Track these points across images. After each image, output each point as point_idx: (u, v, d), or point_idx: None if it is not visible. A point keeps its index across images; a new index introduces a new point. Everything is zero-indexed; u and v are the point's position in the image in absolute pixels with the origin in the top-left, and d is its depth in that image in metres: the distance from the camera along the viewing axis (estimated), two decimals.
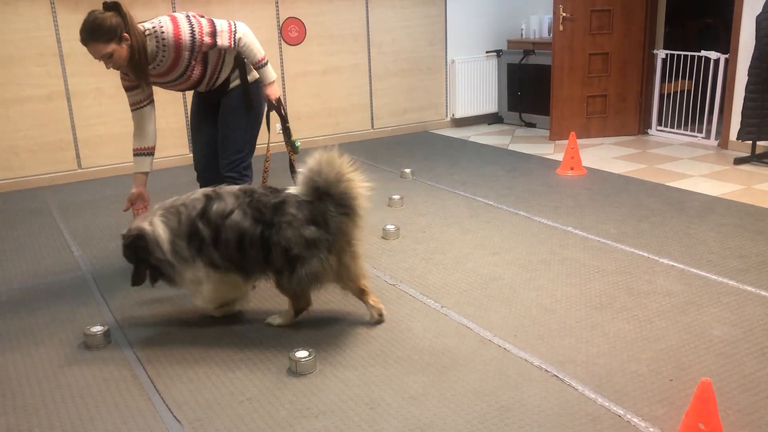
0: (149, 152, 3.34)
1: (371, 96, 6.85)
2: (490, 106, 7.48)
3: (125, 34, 2.98)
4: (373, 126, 6.94)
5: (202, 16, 3.22)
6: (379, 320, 2.92)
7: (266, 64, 3.31)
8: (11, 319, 3.12)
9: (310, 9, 6.29)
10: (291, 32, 6.22)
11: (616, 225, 4.06)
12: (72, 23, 5.37)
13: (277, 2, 6.13)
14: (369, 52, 6.73)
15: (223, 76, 3.34)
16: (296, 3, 6.21)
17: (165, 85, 3.31)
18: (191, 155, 5.01)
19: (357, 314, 3.03)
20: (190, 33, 3.10)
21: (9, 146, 5.33)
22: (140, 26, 3.09)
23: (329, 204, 2.71)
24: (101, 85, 5.56)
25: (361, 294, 2.90)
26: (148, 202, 3.36)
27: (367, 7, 6.60)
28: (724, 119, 5.89)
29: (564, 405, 2.31)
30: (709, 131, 6.16)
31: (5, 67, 5.20)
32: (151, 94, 3.30)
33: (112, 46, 2.96)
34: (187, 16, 3.17)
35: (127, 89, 3.25)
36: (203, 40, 3.13)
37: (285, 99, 6.29)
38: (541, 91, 6.83)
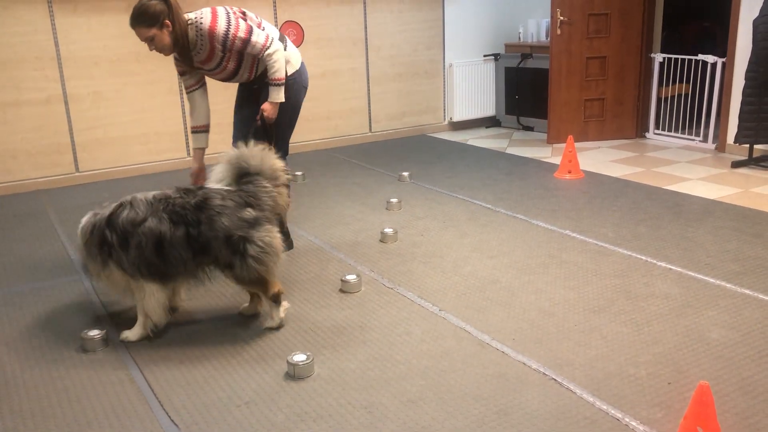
0: (204, 130, 3.68)
1: (369, 99, 6.85)
2: (487, 109, 7.49)
3: (167, 21, 3.21)
4: (371, 129, 6.94)
5: (244, 17, 3.40)
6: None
7: (280, 85, 3.45)
8: (8, 322, 3.12)
9: (309, 13, 6.30)
10: (289, 35, 6.22)
11: (614, 228, 4.06)
12: (70, 27, 5.37)
13: (275, 5, 6.13)
14: (367, 56, 6.73)
15: (261, 69, 3.55)
16: (294, 6, 6.22)
17: (208, 73, 3.55)
18: (190, 158, 4.99)
19: (355, 318, 3.03)
20: (225, 31, 3.31)
21: (7, 149, 5.33)
22: (186, 16, 3.31)
23: (262, 181, 2.86)
24: (99, 89, 5.56)
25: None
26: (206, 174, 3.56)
27: (365, 11, 6.61)
28: (722, 123, 5.90)
29: (562, 408, 2.31)
30: (706, 135, 6.18)
31: (3, 70, 5.20)
32: (201, 79, 3.62)
33: (153, 31, 3.21)
34: (228, 14, 3.35)
35: (180, 74, 3.58)
36: (234, 42, 3.34)
37: None
38: (539, 94, 6.84)
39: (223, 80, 3.62)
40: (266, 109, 3.48)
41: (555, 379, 2.48)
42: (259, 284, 2.87)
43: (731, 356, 2.60)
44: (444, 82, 7.26)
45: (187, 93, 3.66)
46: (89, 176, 5.67)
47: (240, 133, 3.66)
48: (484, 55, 7.35)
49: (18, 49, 5.22)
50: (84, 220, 2.88)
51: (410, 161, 5.97)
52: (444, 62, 7.19)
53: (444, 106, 7.34)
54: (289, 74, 3.54)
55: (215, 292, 3.35)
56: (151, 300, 2.85)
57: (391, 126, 7.05)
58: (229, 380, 2.57)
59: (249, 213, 2.78)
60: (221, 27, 3.30)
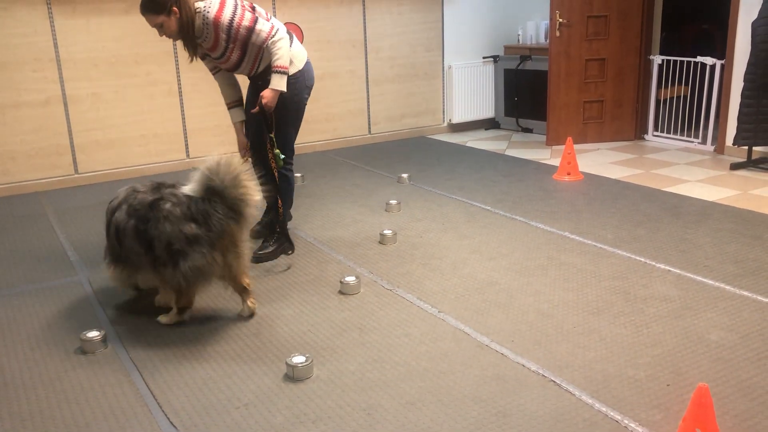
0: (237, 105, 3.84)
1: (368, 101, 6.86)
2: (487, 111, 7.49)
3: (174, 9, 3.33)
4: (370, 131, 6.95)
5: (252, 10, 3.49)
6: (250, 316, 3.09)
7: (282, 73, 3.46)
8: (7, 324, 3.11)
9: (308, 14, 6.30)
10: None
11: (613, 230, 4.07)
12: (69, 28, 5.37)
13: (274, 7, 6.14)
14: (366, 58, 6.74)
15: (264, 64, 3.61)
16: (294, 8, 6.22)
17: (215, 61, 3.64)
18: (188, 160, 5.02)
19: (354, 319, 3.03)
20: (229, 20, 3.40)
21: (6, 151, 5.32)
22: (196, 4, 3.40)
23: (218, 206, 2.85)
24: (98, 91, 5.56)
25: (242, 291, 3.06)
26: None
27: (364, 13, 6.62)
28: (720, 125, 5.90)
29: (561, 410, 2.31)
30: (705, 137, 6.18)
31: (2, 71, 5.19)
32: None
33: (161, 18, 3.33)
34: (236, 5, 3.43)
35: (202, 58, 3.70)
36: (239, 31, 3.42)
37: None
38: (538, 96, 6.84)
39: (229, 70, 3.71)
40: (266, 96, 3.45)
41: (554, 381, 2.48)
42: (177, 292, 2.96)
43: (730, 358, 2.61)
44: (443, 83, 7.26)
45: (214, 75, 3.81)
46: (88, 178, 5.66)
47: (251, 141, 3.82)
48: (483, 57, 7.35)
49: (17, 50, 5.22)
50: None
51: (409, 163, 5.97)
52: (443, 64, 7.20)
53: (443, 108, 7.35)
54: (291, 74, 3.57)
55: (213, 294, 3.35)
56: (112, 280, 3.13)
57: (390, 128, 7.05)
58: (228, 382, 2.56)
59: (190, 228, 2.80)
60: (226, 16, 3.38)
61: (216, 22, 3.36)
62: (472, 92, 7.33)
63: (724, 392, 2.38)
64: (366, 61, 6.74)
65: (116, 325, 3.06)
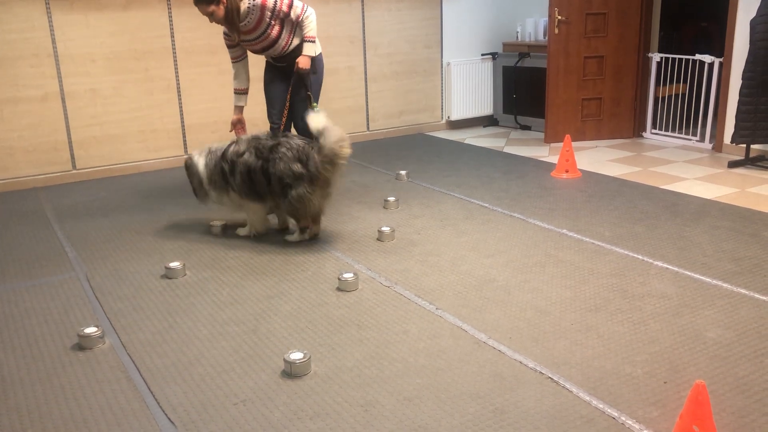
0: (245, 92, 4.55)
1: (367, 98, 6.85)
2: (485, 108, 7.49)
3: (223, 0, 4.04)
4: (368, 128, 6.94)
5: None
6: (311, 238, 4.00)
7: (312, 42, 4.30)
8: (4, 319, 3.11)
9: None
10: None
11: (611, 227, 4.07)
12: (67, 24, 5.36)
13: None
14: (365, 55, 6.73)
15: (294, 43, 4.35)
16: None
17: (249, 43, 4.30)
18: (186, 156, 5.09)
19: (352, 316, 3.03)
20: (273, 3, 4.15)
21: (3, 146, 5.32)
22: None
23: (316, 153, 3.68)
24: (96, 86, 5.55)
25: (316, 221, 4.00)
26: (245, 124, 4.59)
27: (363, 9, 6.61)
28: (718, 123, 5.91)
29: (558, 407, 2.32)
30: (703, 134, 6.19)
31: (0, 67, 5.18)
32: (245, 52, 4.46)
33: (212, 8, 4.05)
34: None
35: (229, 47, 4.41)
36: (281, 8, 4.18)
37: None
38: (537, 93, 6.84)
39: (262, 50, 4.35)
40: (301, 61, 4.27)
41: (551, 378, 2.49)
42: (293, 217, 3.92)
43: (727, 355, 2.61)
44: (442, 80, 7.26)
45: (234, 63, 4.47)
46: (86, 173, 5.66)
47: (273, 107, 4.54)
48: (482, 54, 7.35)
49: (15, 46, 5.21)
50: (201, 158, 4.00)
51: (408, 160, 5.97)
52: (442, 61, 7.20)
53: (442, 105, 7.34)
54: (315, 54, 4.36)
55: (212, 290, 3.35)
56: (252, 215, 4.05)
57: (388, 124, 7.05)
58: (225, 378, 2.57)
59: (297, 167, 3.69)
60: (270, 1, 4.14)
61: (263, 5, 4.12)
62: (470, 89, 7.32)
63: (721, 389, 2.39)
64: (364, 58, 6.73)
65: (114, 321, 3.06)
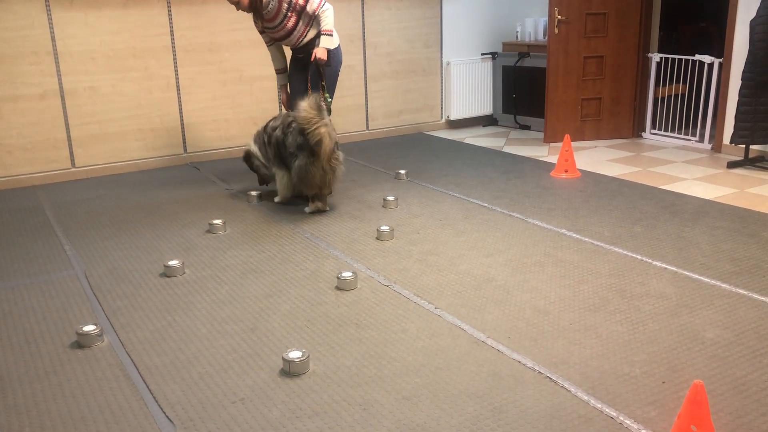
0: (284, 70, 4.99)
1: (366, 97, 6.85)
2: (485, 108, 7.49)
3: None
4: (368, 127, 6.94)
5: None
6: (316, 211, 4.46)
7: (329, 35, 4.57)
8: (3, 317, 3.11)
9: None
10: None
11: (610, 227, 4.07)
12: (67, 22, 5.36)
13: None
14: (364, 54, 6.73)
15: (310, 35, 4.67)
16: None
17: (271, 30, 4.67)
18: (186, 155, 5.04)
19: (351, 315, 3.03)
20: None
21: (2, 144, 5.31)
22: None
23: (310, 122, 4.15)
24: (96, 84, 5.55)
25: (322, 196, 4.43)
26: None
27: (362, 8, 6.61)
28: (718, 123, 5.91)
29: (557, 406, 2.32)
30: (702, 135, 6.19)
31: None
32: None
33: None
34: None
35: (260, 32, 4.80)
36: (297, 1, 4.50)
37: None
38: (536, 93, 6.84)
39: (281, 38, 4.70)
40: (318, 52, 4.53)
41: (550, 378, 2.49)
42: (300, 185, 4.33)
43: (725, 355, 2.61)
44: (441, 80, 7.26)
45: (268, 47, 4.89)
46: (85, 172, 5.65)
47: (294, 96, 4.86)
48: (482, 54, 7.35)
49: (14, 43, 5.21)
50: (253, 144, 4.73)
51: (407, 159, 5.97)
52: (441, 60, 7.19)
53: (441, 105, 7.34)
54: (331, 47, 4.62)
55: (211, 289, 3.35)
56: (278, 182, 4.60)
57: (388, 124, 7.05)
58: (224, 377, 2.57)
59: (300, 139, 4.16)
60: None
61: None
62: (470, 89, 7.32)
63: (720, 389, 2.39)
64: (364, 57, 6.73)
65: (112, 319, 3.06)
